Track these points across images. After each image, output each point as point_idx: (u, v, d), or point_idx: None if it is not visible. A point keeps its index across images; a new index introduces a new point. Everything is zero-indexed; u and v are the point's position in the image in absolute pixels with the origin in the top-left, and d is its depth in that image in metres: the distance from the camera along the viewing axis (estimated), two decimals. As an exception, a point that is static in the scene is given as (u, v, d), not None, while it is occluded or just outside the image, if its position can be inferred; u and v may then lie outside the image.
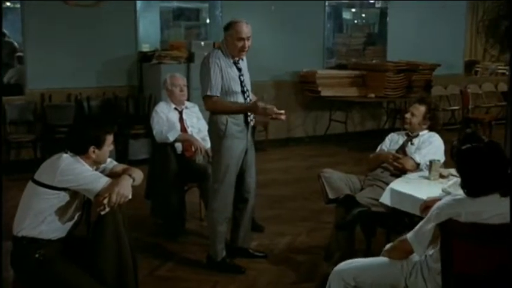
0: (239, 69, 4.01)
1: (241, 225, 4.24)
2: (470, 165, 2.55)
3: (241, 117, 3.97)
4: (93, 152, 3.03)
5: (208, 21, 9.14)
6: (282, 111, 3.92)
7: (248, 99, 4.05)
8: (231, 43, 3.92)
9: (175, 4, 9.02)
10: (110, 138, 3.07)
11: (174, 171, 4.72)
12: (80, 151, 3.02)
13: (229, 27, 3.93)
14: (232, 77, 3.95)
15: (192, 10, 9.33)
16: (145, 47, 8.27)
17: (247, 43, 3.94)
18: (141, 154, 7.21)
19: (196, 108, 5.19)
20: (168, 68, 7.28)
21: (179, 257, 4.36)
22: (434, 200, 2.87)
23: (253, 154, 4.16)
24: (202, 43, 8.00)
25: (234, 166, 3.98)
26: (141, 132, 7.33)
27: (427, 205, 2.94)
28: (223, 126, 3.91)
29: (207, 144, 5.01)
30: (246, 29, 3.91)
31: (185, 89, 5.09)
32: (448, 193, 3.08)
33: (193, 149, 4.87)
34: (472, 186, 2.52)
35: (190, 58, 7.69)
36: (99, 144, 3.04)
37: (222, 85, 3.90)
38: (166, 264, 4.23)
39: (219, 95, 3.89)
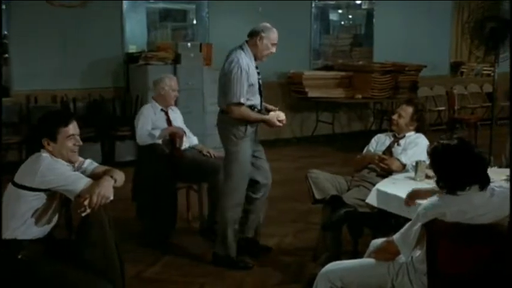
0: (258, 73, 4.15)
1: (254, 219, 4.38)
2: (443, 161, 2.61)
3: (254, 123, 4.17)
4: (48, 144, 2.99)
5: (195, 22, 9.12)
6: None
7: (262, 99, 4.24)
8: (265, 45, 4.08)
9: (162, 5, 8.99)
10: (65, 130, 3.01)
11: (162, 172, 4.69)
12: (38, 145, 2.99)
13: (266, 30, 4.10)
14: (255, 80, 4.09)
15: (179, 11, 9.30)
16: (132, 48, 8.23)
17: (275, 50, 4.17)
18: (127, 156, 7.17)
19: (178, 111, 5.21)
20: (155, 69, 7.27)
21: (166, 259, 4.34)
22: (419, 192, 2.92)
23: (262, 151, 4.40)
24: (189, 44, 7.98)
25: (249, 165, 4.15)
26: (127, 133, 7.30)
27: (412, 195, 3.10)
28: (243, 128, 4.07)
29: (193, 141, 5.02)
30: (277, 36, 4.16)
31: (177, 93, 5.11)
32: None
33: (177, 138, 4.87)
34: (448, 182, 2.57)
35: (177, 59, 7.67)
36: (53, 136, 2.99)
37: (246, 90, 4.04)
38: (153, 267, 4.21)
39: (245, 102, 4.02)
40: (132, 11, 8.33)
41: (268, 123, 4.16)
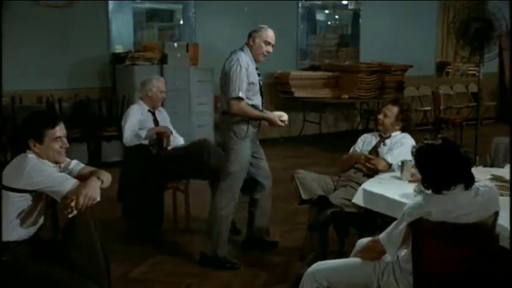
0: (258, 74, 4.25)
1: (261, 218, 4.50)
2: (427, 161, 2.63)
3: (257, 121, 4.24)
4: (34, 145, 2.97)
5: (181, 22, 9.10)
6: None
7: (263, 100, 4.32)
8: (258, 44, 4.19)
9: (149, 5, 8.96)
10: (52, 132, 2.99)
11: (148, 173, 4.67)
12: (23, 146, 2.97)
13: (259, 30, 4.22)
14: (255, 80, 4.18)
15: (166, 11, 9.27)
16: (119, 48, 8.20)
17: (271, 49, 4.23)
18: (114, 156, 7.14)
19: (165, 112, 5.20)
20: (142, 70, 7.25)
21: (152, 260, 4.33)
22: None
23: (261, 151, 4.50)
24: (176, 44, 7.97)
25: (247, 165, 4.25)
26: (114, 134, 7.26)
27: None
28: (245, 127, 4.15)
29: (180, 141, 5.02)
30: (273, 35, 4.24)
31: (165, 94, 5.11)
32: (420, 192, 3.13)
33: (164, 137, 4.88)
34: (433, 182, 2.58)
35: (163, 59, 7.65)
36: (39, 138, 2.97)
37: (246, 88, 4.12)
38: (139, 267, 4.20)
39: (244, 98, 4.09)
40: (118, 11, 8.29)
41: (270, 122, 4.24)
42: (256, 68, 4.24)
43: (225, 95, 4.15)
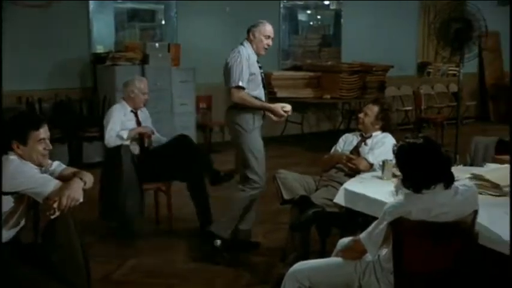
0: (260, 67, 4.37)
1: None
2: (408, 160, 2.63)
3: (261, 113, 4.33)
4: (17, 147, 2.94)
5: (163, 22, 9.06)
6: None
7: (266, 91, 4.44)
8: (258, 39, 4.32)
9: (130, 5, 8.91)
10: (36, 134, 2.97)
11: (129, 173, 4.65)
12: (6, 147, 2.94)
13: (258, 24, 4.36)
14: (257, 71, 4.30)
15: (147, 11, 9.23)
16: (100, 49, 8.14)
17: (271, 42, 4.38)
18: (95, 157, 7.08)
19: (147, 112, 5.18)
20: (123, 70, 7.21)
21: (134, 261, 4.30)
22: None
23: None
24: (157, 45, 7.94)
25: (263, 152, 4.35)
26: (95, 134, 7.21)
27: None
28: (251, 120, 4.27)
29: (162, 142, 5.00)
30: (271, 29, 4.39)
31: (148, 95, 5.09)
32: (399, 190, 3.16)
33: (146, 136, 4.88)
34: (413, 181, 2.59)
35: (145, 60, 7.62)
36: (23, 140, 2.95)
37: (248, 78, 4.22)
38: (120, 269, 4.17)
39: (245, 87, 4.20)
40: (99, 11, 8.24)
41: (273, 112, 4.32)
42: (258, 61, 4.34)
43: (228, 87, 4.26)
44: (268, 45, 4.37)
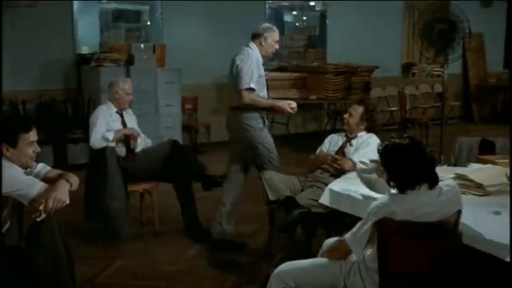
0: (265, 69, 4.57)
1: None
2: (393, 160, 2.64)
3: (265, 112, 4.49)
4: (7, 150, 2.92)
5: (149, 23, 9.04)
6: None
7: (268, 92, 4.60)
8: (269, 44, 4.51)
9: (115, 6, 8.87)
10: (26, 137, 2.96)
11: (114, 175, 4.63)
12: None
13: (268, 30, 4.52)
14: (262, 73, 4.47)
15: (133, 12, 9.20)
16: (85, 49, 8.10)
17: (277, 46, 4.62)
18: (80, 158, 7.04)
19: (132, 114, 5.18)
20: (108, 71, 7.18)
21: (119, 263, 4.28)
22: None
23: None
24: (142, 45, 7.91)
25: (273, 145, 4.49)
26: (80, 136, 7.17)
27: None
28: (259, 119, 4.43)
29: (147, 143, 5.00)
30: (278, 34, 4.59)
31: (132, 96, 5.09)
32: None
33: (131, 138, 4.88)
34: (398, 181, 2.60)
35: (130, 61, 7.58)
36: (13, 142, 2.93)
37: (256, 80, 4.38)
38: (106, 271, 4.14)
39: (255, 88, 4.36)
40: (83, 11, 8.19)
41: (280, 109, 4.48)
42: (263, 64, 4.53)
43: (236, 90, 4.35)
44: (276, 49, 4.61)
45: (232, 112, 4.48)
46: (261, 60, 4.47)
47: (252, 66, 4.34)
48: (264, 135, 4.45)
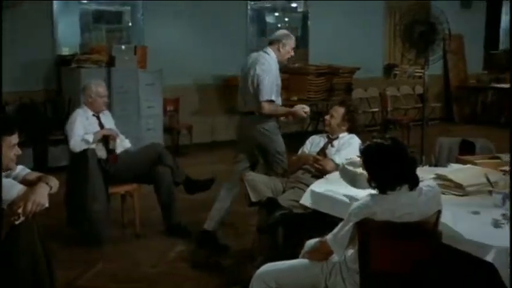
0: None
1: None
2: (375, 161, 2.65)
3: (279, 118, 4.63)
4: None
5: (130, 24, 8.98)
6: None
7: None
8: (287, 50, 4.60)
9: (96, 6, 8.81)
10: (9, 140, 2.92)
11: (95, 177, 4.60)
12: None
13: (286, 37, 4.60)
14: (279, 81, 4.58)
15: (114, 13, 9.14)
16: (65, 50, 8.03)
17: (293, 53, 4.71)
18: (61, 161, 6.97)
19: (110, 115, 5.15)
20: (88, 72, 7.13)
21: (99, 266, 4.24)
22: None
23: None
24: (123, 47, 7.88)
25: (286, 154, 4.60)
26: (60, 138, 7.09)
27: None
28: (276, 124, 4.57)
29: (126, 144, 4.97)
30: (294, 41, 4.67)
31: (107, 97, 5.05)
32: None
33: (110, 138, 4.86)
34: (379, 182, 2.61)
35: (111, 62, 7.54)
36: None
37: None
38: (86, 274, 4.10)
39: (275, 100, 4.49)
40: (64, 12, 8.13)
41: (295, 115, 4.56)
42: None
43: (254, 96, 4.43)
44: (291, 56, 4.71)
45: (247, 116, 4.55)
46: (277, 68, 4.55)
47: (273, 78, 4.44)
48: (280, 141, 4.55)
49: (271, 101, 4.43)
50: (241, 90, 4.61)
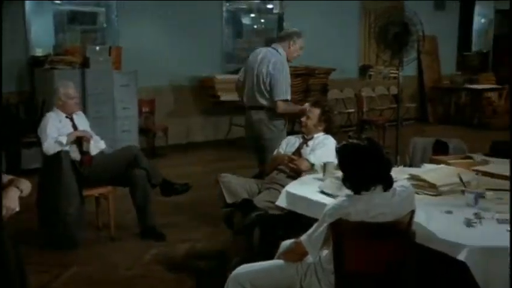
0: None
1: None
2: (351, 161, 2.66)
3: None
4: None
5: (105, 25, 8.90)
6: None
7: None
8: (297, 48, 4.67)
9: (70, 7, 8.70)
10: None
11: (69, 179, 4.54)
12: None
13: (297, 35, 4.68)
14: (290, 80, 4.66)
15: (88, 14, 9.04)
16: (39, 51, 7.92)
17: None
18: (34, 163, 6.86)
19: (84, 116, 5.09)
20: (62, 74, 7.05)
21: (74, 269, 4.19)
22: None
23: None
24: (98, 48, 7.79)
25: None
26: (34, 140, 7.00)
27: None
28: (284, 121, 4.70)
29: (101, 145, 4.92)
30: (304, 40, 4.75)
31: (78, 98, 5.00)
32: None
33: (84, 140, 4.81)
34: (354, 182, 2.62)
35: (85, 63, 7.46)
36: None
37: None
38: (60, 278, 4.05)
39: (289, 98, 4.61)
40: (37, 12, 8.01)
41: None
42: None
43: (266, 94, 4.59)
44: (299, 56, 4.81)
45: (256, 112, 4.66)
46: (287, 65, 4.62)
47: (287, 77, 4.54)
48: (283, 136, 4.60)
49: (286, 100, 4.54)
50: (247, 86, 4.72)
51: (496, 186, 3.44)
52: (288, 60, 4.71)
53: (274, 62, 4.54)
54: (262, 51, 4.69)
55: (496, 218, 2.84)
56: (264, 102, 4.65)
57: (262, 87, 4.63)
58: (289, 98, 4.58)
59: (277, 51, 4.63)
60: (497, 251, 2.53)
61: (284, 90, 4.54)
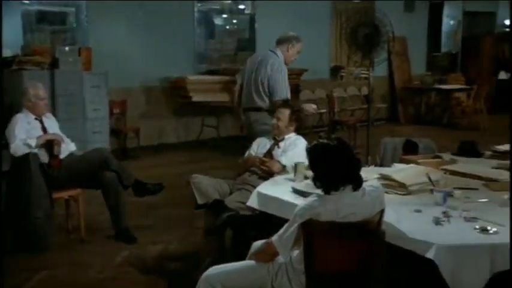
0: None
1: None
2: (320, 160, 2.68)
3: None
4: None
5: (75, 25, 8.80)
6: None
7: None
8: (293, 53, 4.83)
9: (39, 7, 8.58)
10: None
11: (38, 182, 4.48)
12: None
13: (296, 39, 4.83)
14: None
15: (58, 14, 8.92)
16: (6, 52, 7.78)
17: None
18: (2, 166, 6.76)
19: (54, 118, 5.04)
20: (31, 75, 6.95)
21: (44, 273, 4.13)
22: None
23: None
24: (67, 48, 7.70)
25: None
26: (2, 142, 6.88)
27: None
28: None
29: (71, 147, 4.87)
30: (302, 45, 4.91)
31: (47, 99, 4.93)
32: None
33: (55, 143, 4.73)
34: (324, 181, 2.64)
35: (54, 64, 7.37)
36: None
37: None
38: (30, 282, 3.99)
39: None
40: (5, 12, 7.86)
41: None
42: None
43: (265, 94, 4.70)
44: (295, 60, 4.95)
45: (256, 113, 4.77)
46: (285, 68, 4.76)
47: (286, 78, 4.69)
48: None
49: (288, 100, 4.64)
50: (246, 88, 4.83)
51: (464, 185, 3.50)
52: (286, 64, 4.83)
53: (272, 63, 4.69)
54: (261, 55, 4.90)
55: (463, 216, 2.89)
56: (261, 103, 4.77)
57: (261, 88, 4.76)
58: (289, 97, 4.70)
59: (276, 54, 4.76)
60: (464, 248, 2.57)
61: (285, 91, 4.68)
